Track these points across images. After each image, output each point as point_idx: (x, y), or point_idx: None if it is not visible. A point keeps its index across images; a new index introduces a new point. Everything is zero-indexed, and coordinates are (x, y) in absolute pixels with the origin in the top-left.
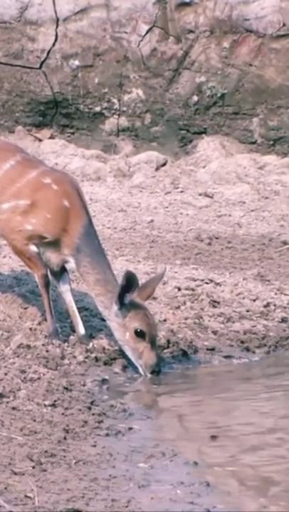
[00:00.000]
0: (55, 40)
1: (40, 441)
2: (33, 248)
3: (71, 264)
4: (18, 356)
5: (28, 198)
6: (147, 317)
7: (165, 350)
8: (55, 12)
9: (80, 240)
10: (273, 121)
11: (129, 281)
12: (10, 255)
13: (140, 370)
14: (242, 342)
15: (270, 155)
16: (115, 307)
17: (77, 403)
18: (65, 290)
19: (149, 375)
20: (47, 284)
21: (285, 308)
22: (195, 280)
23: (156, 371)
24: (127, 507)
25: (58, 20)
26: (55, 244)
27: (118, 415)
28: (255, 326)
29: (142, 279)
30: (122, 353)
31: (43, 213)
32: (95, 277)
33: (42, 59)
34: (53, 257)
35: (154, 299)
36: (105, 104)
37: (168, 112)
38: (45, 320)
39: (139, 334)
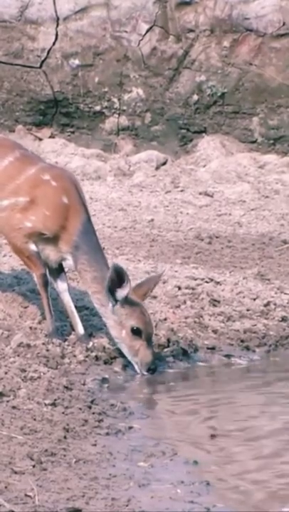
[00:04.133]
0: (56, 39)
1: (41, 440)
2: (33, 247)
3: (69, 262)
4: (18, 355)
5: (27, 195)
6: (144, 315)
7: (165, 349)
8: (56, 11)
9: (79, 237)
10: (273, 121)
11: (118, 274)
12: (10, 254)
13: (136, 367)
14: (242, 341)
15: (270, 154)
16: (111, 304)
17: (77, 402)
18: (62, 290)
19: (144, 373)
20: (46, 284)
21: (285, 307)
22: (195, 279)
23: (151, 369)
24: (127, 506)
25: (58, 19)
26: (53, 241)
27: (118, 414)
28: (255, 325)
29: (142, 278)
30: (122, 352)
31: (41, 210)
32: (92, 275)
33: (42, 58)
34: (51, 255)
35: (154, 297)
36: (105, 104)
37: (168, 111)
38: (45, 319)
39: (136, 332)
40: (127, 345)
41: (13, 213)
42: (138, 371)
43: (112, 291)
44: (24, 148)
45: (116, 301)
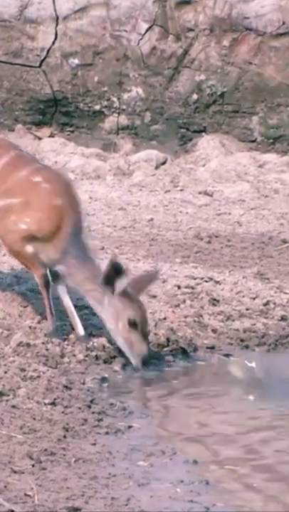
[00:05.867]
0: (55, 38)
1: (40, 439)
2: (30, 249)
3: (63, 263)
4: (17, 354)
5: (20, 197)
6: (140, 308)
7: (165, 349)
8: (55, 10)
9: (71, 239)
10: (273, 120)
11: (115, 269)
12: None
13: (132, 360)
14: (242, 340)
15: (269, 153)
16: (107, 298)
17: (76, 401)
18: (61, 291)
19: (140, 366)
20: (47, 284)
21: (284, 306)
22: (195, 278)
23: (147, 362)
24: (126, 505)
25: (57, 18)
26: (47, 242)
27: (118, 413)
28: (254, 325)
29: None
30: (121, 351)
31: (35, 212)
32: (83, 275)
33: (42, 57)
34: (46, 256)
35: (154, 297)
36: (105, 103)
37: (168, 110)
38: (45, 319)
39: (132, 324)
40: (122, 337)
41: (8, 215)
42: (134, 364)
43: (109, 281)
44: (19, 149)
45: (113, 292)
